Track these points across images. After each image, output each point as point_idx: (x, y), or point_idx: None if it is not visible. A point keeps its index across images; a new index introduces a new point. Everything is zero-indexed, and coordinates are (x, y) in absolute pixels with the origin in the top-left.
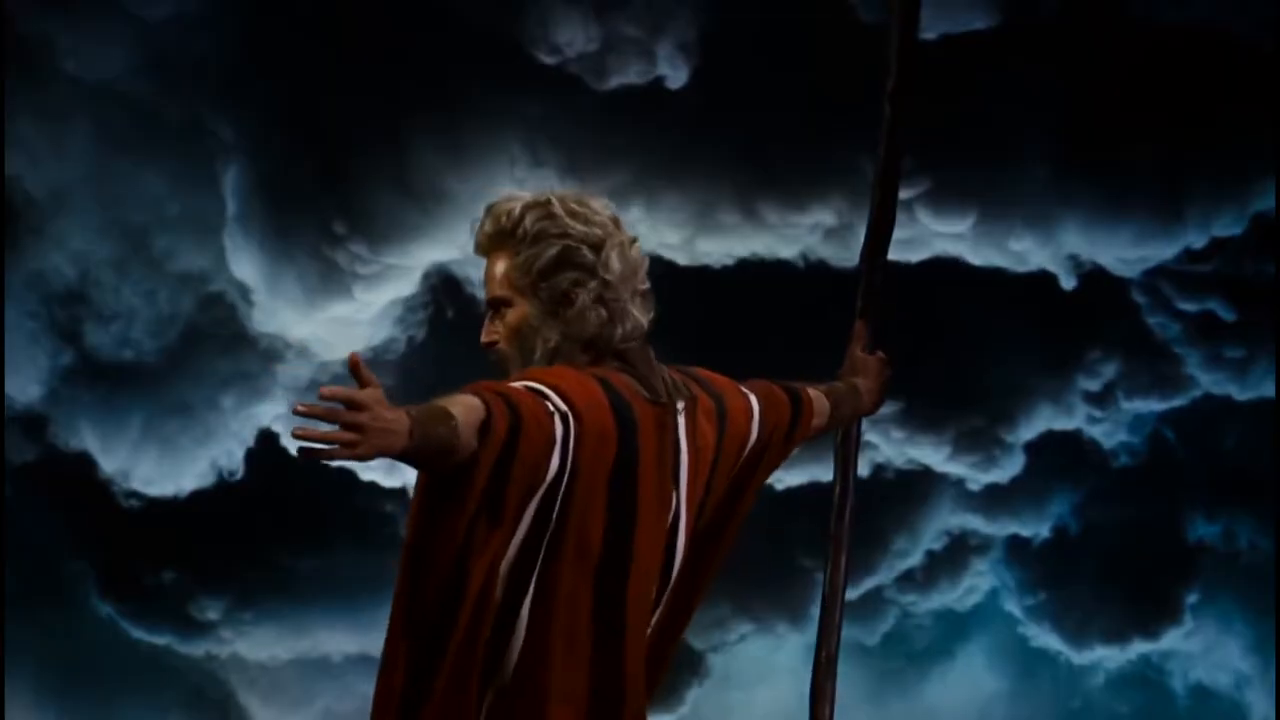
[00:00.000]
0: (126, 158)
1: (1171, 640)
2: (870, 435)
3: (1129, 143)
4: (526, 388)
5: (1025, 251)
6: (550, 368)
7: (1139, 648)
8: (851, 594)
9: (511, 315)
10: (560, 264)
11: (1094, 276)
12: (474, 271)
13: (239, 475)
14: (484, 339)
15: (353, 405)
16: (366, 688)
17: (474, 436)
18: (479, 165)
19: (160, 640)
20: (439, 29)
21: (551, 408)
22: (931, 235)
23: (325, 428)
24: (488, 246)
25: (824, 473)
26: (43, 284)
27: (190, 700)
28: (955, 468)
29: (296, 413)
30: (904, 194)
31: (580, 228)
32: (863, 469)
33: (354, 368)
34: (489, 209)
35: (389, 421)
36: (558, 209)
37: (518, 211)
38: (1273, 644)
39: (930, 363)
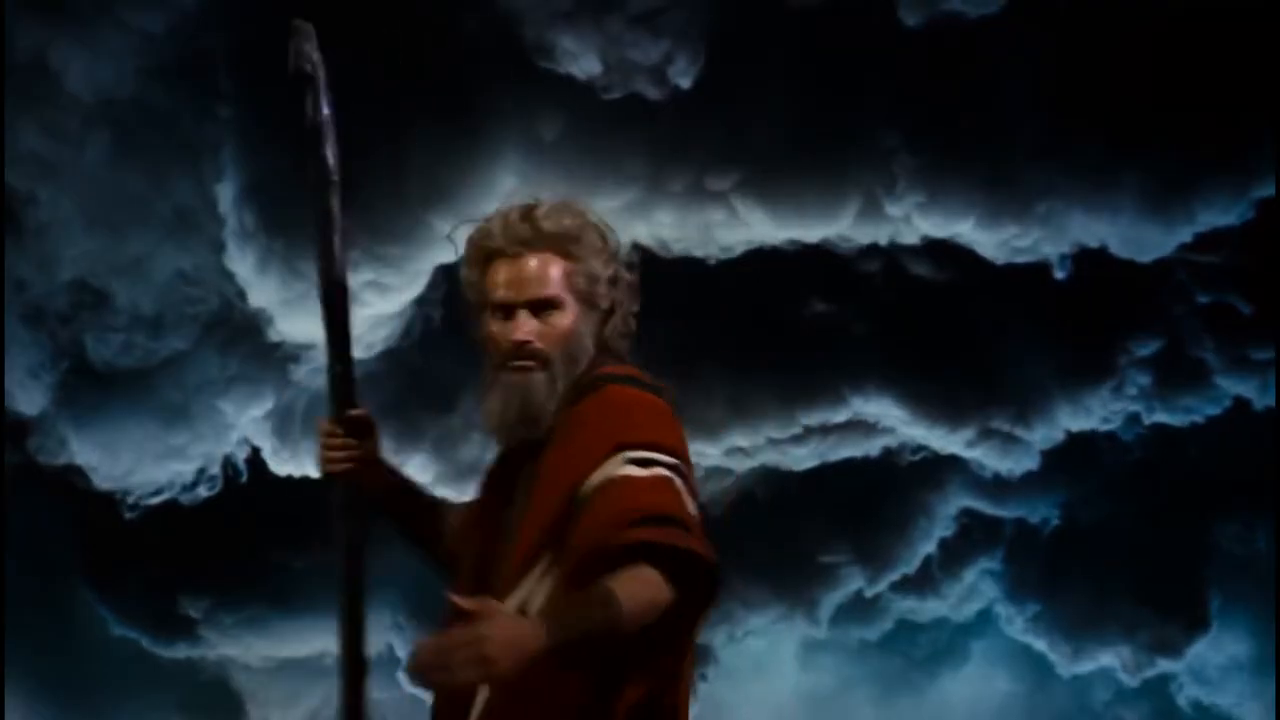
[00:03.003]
0: (126, 162)
1: (1185, 644)
2: (888, 422)
3: (1134, 135)
4: (687, 497)
5: (1033, 249)
6: (658, 404)
7: (1153, 651)
8: (868, 590)
9: (562, 319)
10: (615, 280)
11: (1107, 274)
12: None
13: (232, 479)
14: (522, 336)
15: (470, 642)
16: None
17: (666, 591)
18: (480, 169)
19: (155, 641)
20: (442, 33)
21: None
22: (937, 235)
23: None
24: (535, 243)
25: (833, 465)
26: (42, 288)
27: (183, 701)
28: (968, 466)
29: (413, 669)
30: (908, 197)
31: (623, 251)
32: (874, 453)
33: (460, 607)
34: (532, 208)
35: (514, 637)
36: (609, 229)
37: (580, 220)
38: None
39: (944, 360)
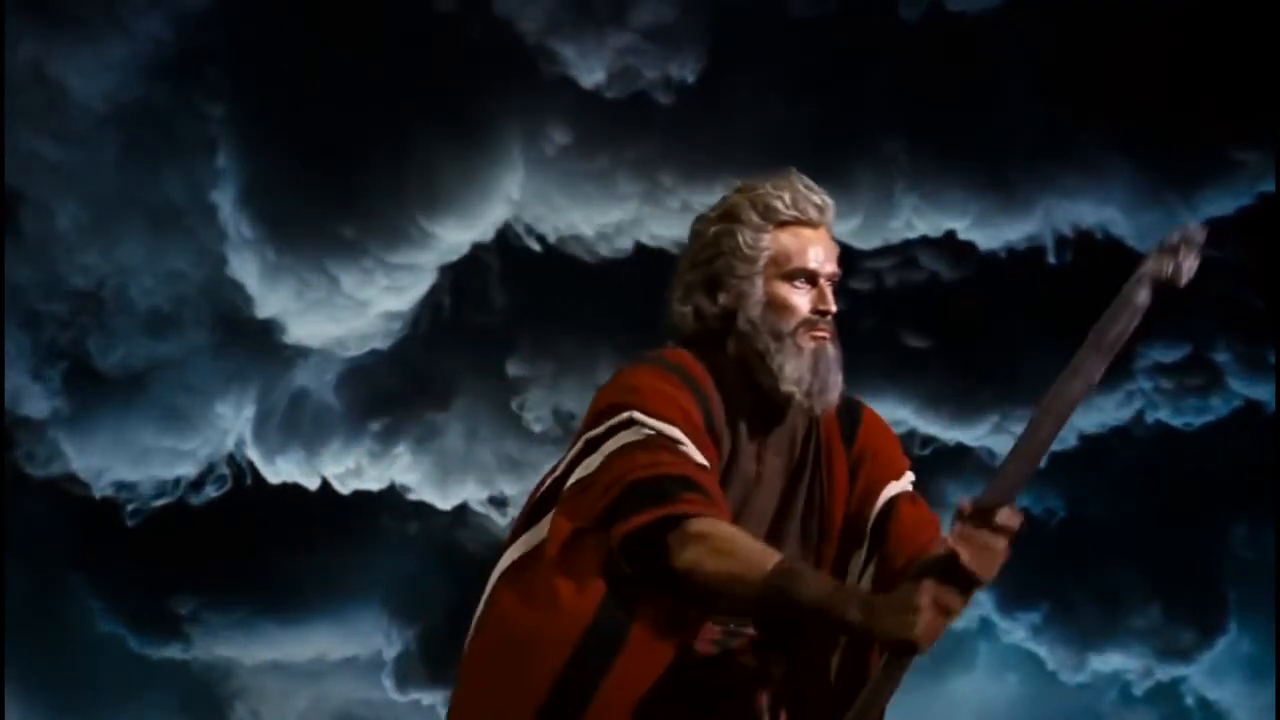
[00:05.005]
0: (127, 164)
1: (1200, 649)
2: (899, 414)
3: (1134, 131)
4: None
5: (1037, 245)
6: None
7: (1164, 656)
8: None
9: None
10: None
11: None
12: (477, 274)
13: (239, 478)
14: (832, 306)
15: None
16: (349, 691)
17: None
18: (481, 171)
19: (148, 641)
20: (444, 33)
21: None
22: (937, 233)
23: None
24: (827, 218)
25: None
26: (41, 290)
27: (177, 703)
28: (978, 456)
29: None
30: (909, 197)
31: None
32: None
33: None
34: (815, 185)
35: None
36: None
37: None
38: None
39: (951, 360)
